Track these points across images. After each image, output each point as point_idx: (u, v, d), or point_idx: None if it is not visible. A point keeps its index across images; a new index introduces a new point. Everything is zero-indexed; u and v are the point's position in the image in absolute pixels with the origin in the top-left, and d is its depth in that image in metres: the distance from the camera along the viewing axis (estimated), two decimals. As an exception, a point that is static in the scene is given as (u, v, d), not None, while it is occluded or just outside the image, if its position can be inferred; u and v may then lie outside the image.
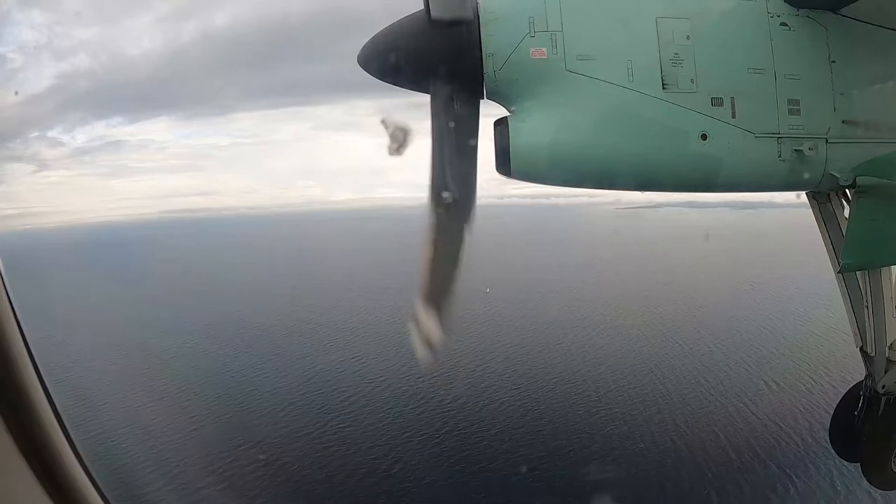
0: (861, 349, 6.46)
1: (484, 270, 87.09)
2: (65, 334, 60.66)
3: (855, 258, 5.37)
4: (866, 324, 6.17)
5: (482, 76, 4.45)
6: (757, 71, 4.57)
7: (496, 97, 4.60)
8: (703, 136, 4.50)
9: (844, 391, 7.24)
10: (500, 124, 4.60)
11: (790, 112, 4.61)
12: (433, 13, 4.31)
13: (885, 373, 6.30)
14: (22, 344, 2.70)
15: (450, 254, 4.51)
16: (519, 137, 4.46)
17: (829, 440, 7.49)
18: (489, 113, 4.70)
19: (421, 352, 4.26)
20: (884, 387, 6.38)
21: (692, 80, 4.46)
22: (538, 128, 4.48)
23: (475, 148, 4.57)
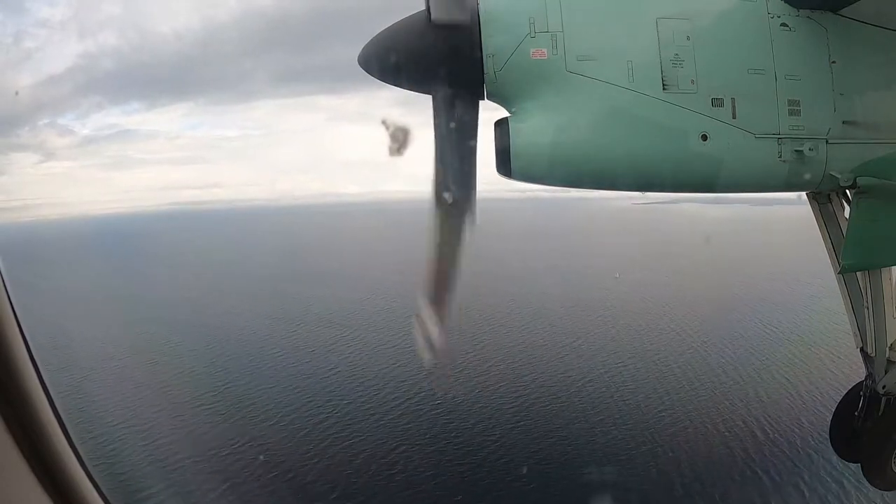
0: (861, 349, 6.47)
1: (487, 263, 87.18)
2: (62, 332, 60.74)
3: (855, 258, 5.39)
4: (866, 324, 6.17)
5: (482, 77, 4.45)
6: (757, 71, 4.57)
7: (496, 98, 4.61)
8: (704, 137, 4.51)
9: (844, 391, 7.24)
10: (501, 125, 4.60)
11: (790, 112, 4.62)
12: (433, 14, 4.31)
13: (886, 373, 6.30)
14: (22, 344, 2.70)
15: (450, 253, 4.55)
16: (519, 138, 4.47)
17: (829, 440, 7.50)
18: (489, 109, 4.69)
19: (424, 352, 4.36)
20: (884, 387, 6.38)
21: (692, 81, 4.47)
22: (538, 128, 4.49)
23: (475, 148, 4.59)
